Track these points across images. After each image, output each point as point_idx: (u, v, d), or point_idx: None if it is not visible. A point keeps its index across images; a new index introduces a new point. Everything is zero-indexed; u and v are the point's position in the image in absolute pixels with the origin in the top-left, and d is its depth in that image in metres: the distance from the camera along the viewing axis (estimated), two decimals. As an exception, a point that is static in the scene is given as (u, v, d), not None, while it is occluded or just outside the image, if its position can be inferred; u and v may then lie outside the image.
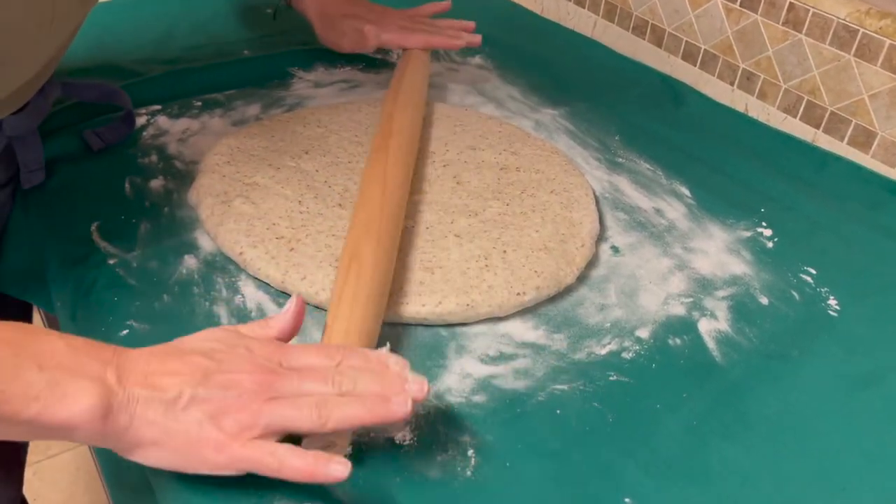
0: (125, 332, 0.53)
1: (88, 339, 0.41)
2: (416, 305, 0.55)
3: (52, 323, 0.85)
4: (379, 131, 0.66)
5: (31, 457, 1.29)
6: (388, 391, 0.42)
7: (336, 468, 0.39)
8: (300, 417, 0.40)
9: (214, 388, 0.40)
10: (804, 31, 0.79)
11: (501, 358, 0.54)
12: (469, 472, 0.45)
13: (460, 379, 0.52)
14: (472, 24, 0.85)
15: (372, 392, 0.42)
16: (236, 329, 0.45)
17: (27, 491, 0.85)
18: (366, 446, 0.46)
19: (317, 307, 0.56)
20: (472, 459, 0.46)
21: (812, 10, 0.78)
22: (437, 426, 0.48)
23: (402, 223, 0.59)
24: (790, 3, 0.79)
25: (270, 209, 0.61)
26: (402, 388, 0.42)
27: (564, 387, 0.52)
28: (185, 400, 0.39)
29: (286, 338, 0.46)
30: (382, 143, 0.64)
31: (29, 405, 0.37)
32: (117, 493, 0.52)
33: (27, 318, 0.78)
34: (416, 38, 0.81)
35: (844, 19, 0.75)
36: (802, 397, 0.53)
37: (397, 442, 0.47)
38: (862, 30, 0.74)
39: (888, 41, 0.72)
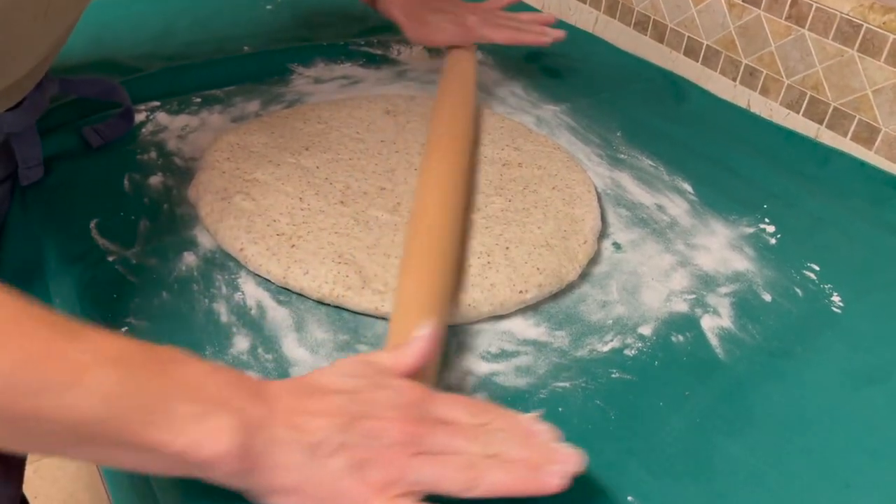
0: (124, 329, 0.52)
1: (232, 369, 0.39)
2: (418, 302, 0.55)
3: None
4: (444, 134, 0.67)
5: (32, 455, 1.29)
6: (539, 459, 0.39)
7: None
8: (448, 479, 0.38)
9: (361, 435, 0.38)
10: (807, 26, 0.79)
11: (503, 355, 0.53)
12: (471, 471, 0.45)
13: (461, 377, 0.51)
14: (552, 18, 0.86)
15: (522, 459, 0.39)
16: (371, 360, 0.42)
17: (28, 489, 0.85)
18: (367, 444, 0.46)
19: (319, 301, 0.56)
20: (474, 457, 0.46)
21: (815, 4, 0.77)
22: (438, 424, 0.48)
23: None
24: (793, -3, 0.79)
25: (271, 206, 0.61)
26: (554, 458, 0.39)
27: (566, 384, 0.51)
28: (330, 447, 0.37)
29: (422, 363, 0.43)
30: (452, 146, 0.65)
31: (177, 438, 0.35)
32: (118, 492, 0.51)
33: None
34: (505, 33, 0.82)
35: (848, 14, 0.75)
36: (806, 394, 0.52)
37: (398, 440, 0.46)
38: (865, 24, 0.74)
39: (892, 36, 0.72)
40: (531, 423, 0.41)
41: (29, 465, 1.27)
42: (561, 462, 0.39)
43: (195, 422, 0.35)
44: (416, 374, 0.43)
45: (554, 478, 0.38)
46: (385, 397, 0.40)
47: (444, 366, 0.52)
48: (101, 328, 0.37)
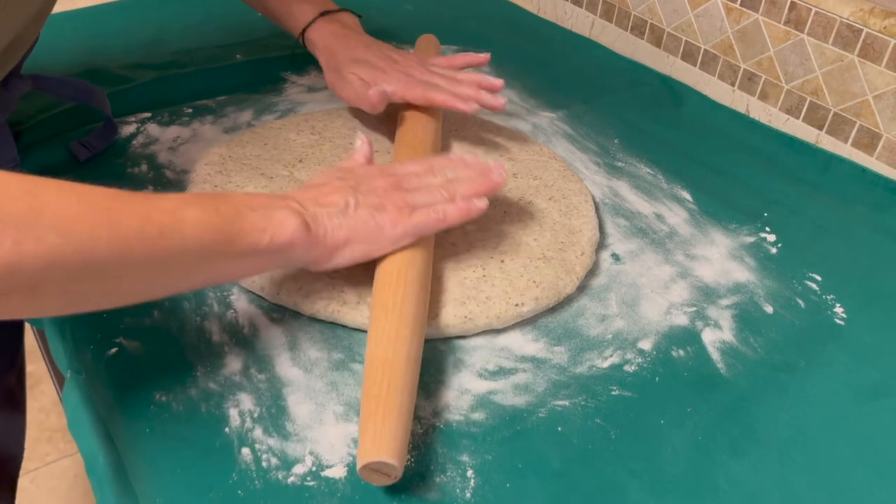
0: (114, 350, 0.51)
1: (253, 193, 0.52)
2: (413, 318, 0.54)
3: (42, 338, 0.83)
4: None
5: (29, 464, 1.28)
6: (481, 169, 0.57)
7: (480, 204, 0.54)
8: (435, 199, 0.54)
9: (365, 193, 0.53)
10: (806, 31, 0.78)
11: (501, 372, 0.52)
12: (468, 494, 0.44)
13: (459, 395, 0.50)
14: (498, 84, 0.70)
15: (469, 175, 0.56)
16: (336, 165, 0.57)
17: (25, 499, 0.84)
18: (362, 468, 0.45)
19: (312, 317, 0.55)
20: (472, 480, 0.45)
21: (814, 9, 0.76)
22: (435, 446, 0.47)
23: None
24: (792, 2, 0.78)
25: (263, 220, 0.60)
26: (489, 167, 0.57)
27: (565, 402, 0.50)
28: (353, 204, 0.51)
29: (369, 162, 0.58)
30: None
31: (262, 236, 0.47)
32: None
33: (19, 332, 0.76)
34: (415, 91, 0.68)
35: (848, 19, 0.74)
36: (810, 410, 0.51)
37: (394, 463, 0.45)
38: (866, 29, 0.73)
39: (893, 41, 0.71)
40: (460, 156, 0.59)
41: (26, 475, 1.26)
42: (495, 167, 0.57)
43: (267, 221, 0.47)
44: None
45: (498, 175, 0.56)
46: (361, 171, 0.55)
47: (440, 384, 0.51)
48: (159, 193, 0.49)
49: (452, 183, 0.55)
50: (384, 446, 0.42)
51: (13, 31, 0.54)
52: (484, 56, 0.75)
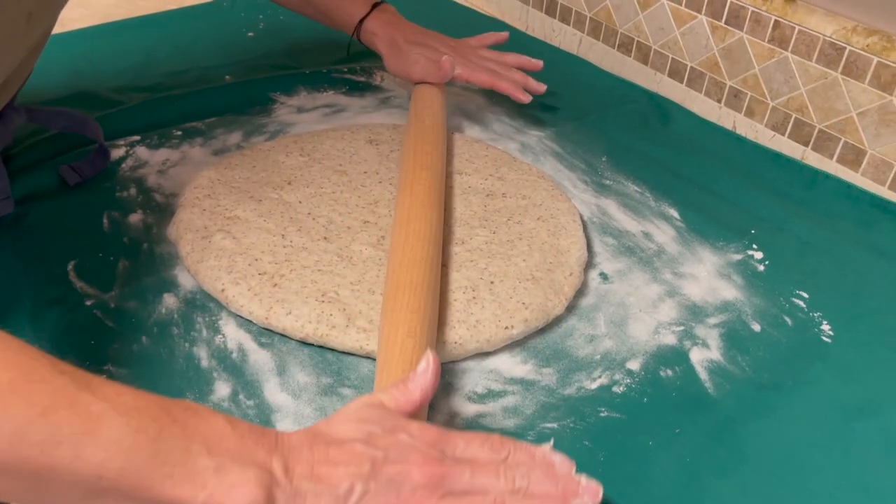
0: (102, 377, 0.51)
1: (250, 423, 0.38)
2: (403, 340, 0.54)
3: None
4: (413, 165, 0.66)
5: None
6: (563, 492, 0.40)
7: None
8: None
9: (385, 482, 0.37)
10: (790, 49, 0.78)
11: (490, 395, 0.52)
12: (458, 520, 0.44)
13: (448, 419, 0.50)
14: (538, 65, 0.82)
15: (546, 493, 0.40)
16: (375, 402, 0.41)
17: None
18: (351, 495, 0.45)
19: (302, 341, 0.55)
20: (461, 505, 0.45)
21: (798, 27, 0.77)
22: (424, 471, 0.47)
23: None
24: (775, 20, 0.79)
25: (252, 244, 0.60)
26: (576, 491, 0.40)
27: (554, 425, 0.50)
28: (357, 496, 0.37)
29: (427, 398, 0.43)
30: (419, 177, 0.64)
31: (197, 493, 0.34)
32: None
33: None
34: (481, 76, 0.79)
35: (831, 37, 0.75)
36: (797, 429, 0.52)
37: (383, 489, 0.45)
38: (849, 47, 0.73)
39: (876, 58, 0.72)
40: (548, 454, 0.42)
41: None
42: (584, 494, 0.40)
43: (216, 476, 0.35)
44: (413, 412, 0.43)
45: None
46: (403, 442, 0.39)
47: (430, 408, 0.51)
48: (112, 381, 0.36)
49: (518, 497, 0.39)
50: None
51: (9, 69, 0.55)
52: (504, 34, 0.86)
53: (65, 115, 0.68)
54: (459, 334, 0.55)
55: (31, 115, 0.65)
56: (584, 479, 0.41)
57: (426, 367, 0.43)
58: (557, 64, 0.96)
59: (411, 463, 0.38)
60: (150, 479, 0.34)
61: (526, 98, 0.79)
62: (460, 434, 0.42)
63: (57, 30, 0.94)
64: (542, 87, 0.81)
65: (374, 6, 0.82)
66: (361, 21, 0.81)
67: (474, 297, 0.57)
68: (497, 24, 1.06)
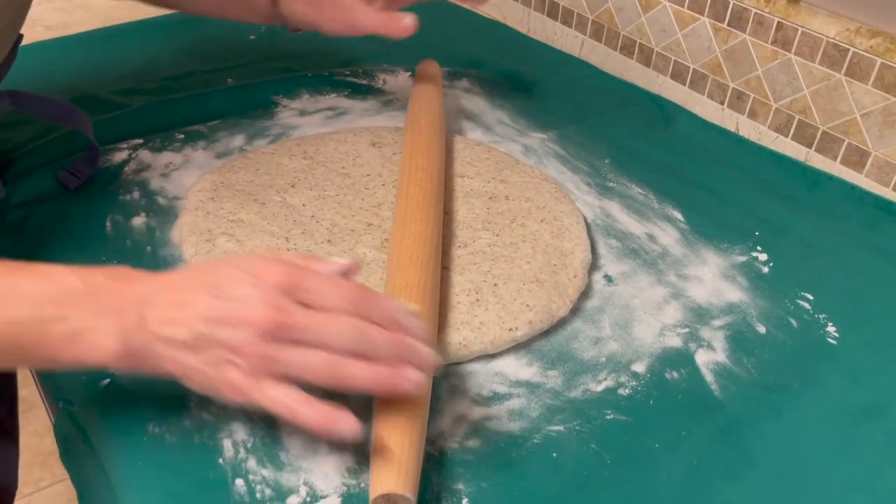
0: (107, 381, 0.51)
1: (105, 272, 0.43)
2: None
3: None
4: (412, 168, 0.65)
5: (23, 488, 1.26)
6: (398, 360, 0.42)
7: (343, 428, 0.41)
8: (311, 374, 0.41)
9: (225, 330, 0.40)
10: (793, 51, 0.78)
11: (495, 398, 0.52)
12: (464, 523, 0.44)
13: (453, 422, 0.50)
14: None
15: (386, 357, 0.42)
16: (238, 265, 0.43)
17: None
18: (356, 498, 0.45)
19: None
20: (467, 509, 0.45)
21: (801, 28, 0.77)
22: (430, 475, 0.47)
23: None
24: (778, 22, 0.79)
25: (256, 247, 0.60)
26: (411, 361, 0.43)
27: (560, 428, 0.50)
28: (198, 342, 0.41)
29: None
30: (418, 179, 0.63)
31: (66, 352, 0.41)
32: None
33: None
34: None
35: (834, 38, 0.75)
36: (804, 432, 0.51)
37: (389, 492, 0.45)
38: (852, 49, 0.73)
39: (880, 60, 0.72)
40: (405, 318, 0.44)
41: (20, 500, 1.25)
42: (416, 366, 0.43)
43: (80, 338, 0.41)
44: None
45: (407, 384, 0.42)
46: (249, 293, 0.41)
47: (435, 411, 0.51)
48: None
49: (343, 365, 0.42)
50: (409, 481, 0.42)
51: None
52: None
53: (51, 103, 0.67)
54: (464, 336, 0.54)
55: (14, 98, 0.64)
56: (422, 350, 0.43)
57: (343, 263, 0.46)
58: (559, 66, 0.96)
59: (253, 312, 0.41)
60: (26, 350, 0.41)
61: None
62: (318, 277, 0.43)
63: (58, 33, 0.95)
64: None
65: None
66: None
67: (478, 300, 0.57)
68: (498, 27, 1.06)
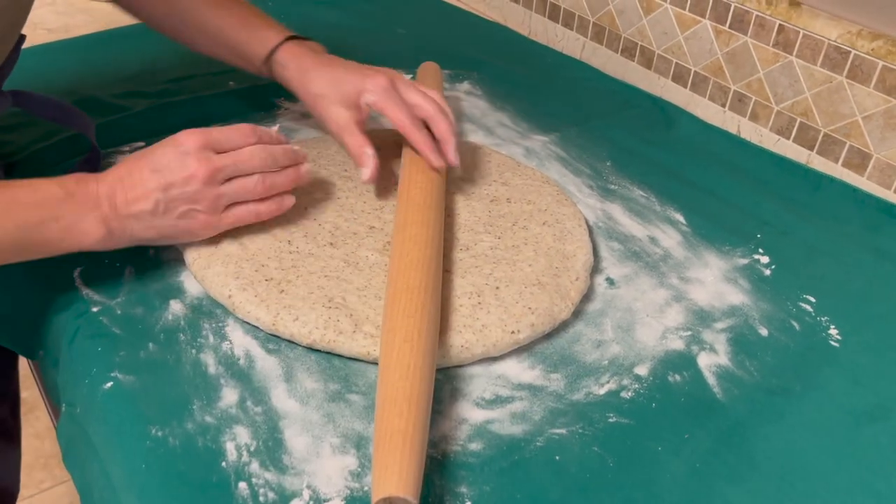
0: (109, 384, 0.51)
1: (77, 179, 0.53)
2: (409, 346, 0.54)
3: (36, 365, 0.83)
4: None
5: (24, 490, 1.26)
6: (294, 160, 0.60)
7: (289, 202, 0.60)
8: (250, 193, 0.57)
9: (177, 196, 0.54)
10: (795, 53, 0.78)
11: (498, 401, 0.52)
12: (467, 527, 0.44)
13: (456, 425, 0.50)
14: (449, 163, 0.65)
15: (286, 163, 0.59)
16: (164, 146, 0.55)
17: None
18: (360, 502, 0.45)
19: (309, 347, 0.55)
20: (470, 512, 0.45)
21: (802, 31, 0.77)
22: (432, 477, 0.47)
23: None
24: (780, 24, 0.79)
25: (259, 250, 0.60)
26: (298, 157, 0.60)
27: (563, 431, 0.50)
28: (162, 210, 0.54)
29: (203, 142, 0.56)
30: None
31: (62, 244, 0.52)
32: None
33: (12, 362, 0.76)
34: (398, 113, 0.64)
35: (835, 41, 0.75)
36: (807, 434, 0.51)
37: (392, 496, 0.45)
38: (854, 51, 0.73)
39: (881, 62, 0.72)
40: (278, 134, 0.60)
41: (21, 502, 1.25)
42: (303, 155, 0.60)
43: (67, 232, 0.52)
44: None
45: (306, 171, 0.60)
46: (179, 164, 0.54)
47: (438, 413, 0.51)
48: None
49: (268, 177, 0.57)
50: (410, 483, 0.42)
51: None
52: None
53: (53, 104, 0.67)
54: (465, 338, 0.54)
55: (18, 98, 0.65)
56: (296, 151, 0.60)
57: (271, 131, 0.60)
58: (561, 69, 0.96)
59: (189, 172, 0.54)
60: (22, 246, 0.51)
61: (438, 162, 0.63)
62: (221, 130, 0.56)
63: (60, 36, 0.95)
64: (454, 162, 0.65)
65: (292, 38, 0.70)
66: (273, 50, 0.69)
67: (479, 303, 0.57)
68: (499, 29, 1.07)
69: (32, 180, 0.52)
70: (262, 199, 0.58)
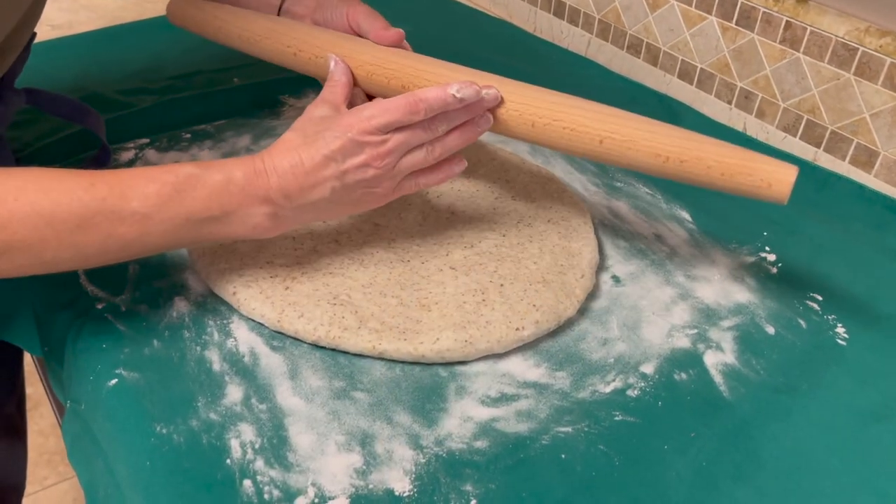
0: (114, 381, 0.51)
1: (246, 169, 0.51)
2: (414, 343, 0.54)
3: (41, 362, 0.83)
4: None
5: (28, 486, 1.27)
6: (471, 114, 0.55)
7: (460, 165, 0.57)
8: (423, 162, 0.54)
9: (353, 176, 0.53)
10: (802, 50, 0.78)
11: (503, 399, 0.52)
12: (472, 525, 0.44)
13: (461, 423, 0.50)
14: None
15: (459, 119, 0.55)
16: (324, 101, 0.56)
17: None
18: (364, 499, 0.45)
19: (314, 344, 0.55)
20: (475, 510, 0.45)
21: (810, 28, 0.77)
22: (437, 475, 0.46)
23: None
24: (787, 21, 0.78)
25: (264, 247, 0.60)
26: (480, 109, 0.55)
27: (568, 429, 0.50)
28: (339, 192, 0.53)
29: (350, 79, 0.59)
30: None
31: (225, 236, 0.52)
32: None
33: (17, 358, 0.76)
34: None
35: (843, 38, 0.74)
36: (813, 433, 0.51)
37: (397, 494, 0.45)
38: (861, 48, 0.73)
39: (889, 59, 0.71)
40: (454, 90, 0.53)
41: (26, 498, 1.25)
42: (484, 106, 0.55)
43: (235, 224, 0.52)
44: None
45: (487, 119, 0.56)
46: (353, 148, 0.52)
47: (442, 411, 0.51)
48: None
49: (443, 140, 0.55)
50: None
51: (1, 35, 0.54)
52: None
53: (66, 102, 0.67)
54: (470, 333, 0.54)
55: (31, 97, 0.65)
56: (486, 93, 0.55)
57: (334, 63, 0.59)
58: (566, 66, 0.96)
59: (364, 155, 0.52)
60: (196, 237, 0.51)
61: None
62: (377, 108, 0.52)
63: (65, 33, 0.95)
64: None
65: None
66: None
67: (484, 300, 0.57)
68: (505, 26, 1.06)
69: (196, 167, 0.51)
70: (433, 169, 0.56)
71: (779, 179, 0.52)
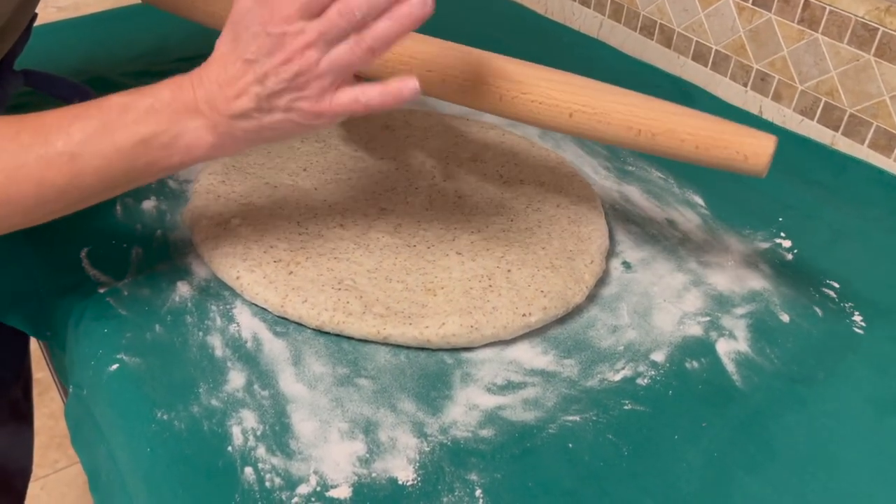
0: (115, 366, 0.50)
1: (171, 86, 0.48)
2: (419, 328, 0.53)
3: (47, 347, 0.83)
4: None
5: (38, 470, 1.27)
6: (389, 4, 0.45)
7: (412, 87, 0.46)
8: (351, 61, 0.45)
9: (277, 82, 0.46)
10: (820, 30, 0.76)
11: (509, 387, 0.51)
12: (477, 515, 0.43)
13: (466, 411, 0.49)
14: None
15: (384, 7, 0.45)
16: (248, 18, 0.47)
17: (34, 506, 0.83)
18: (367, 488, 0.44)
19: (318, 330, 0.54)
20: (481, 500, 0.44)
21: (829, 7, 0.74)
22: (442, 464, 0.46)
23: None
24: (805, 1, 0.76)
25: (268, 231, 0.59)
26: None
27: (576, 418, 0.49)
28: (264, 101, 0.46)
29: None
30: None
31: (171, 160, 0.48)
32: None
33: (24, 344, 0.76)
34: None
35: (863, 17, 0.72)
36: (829, 424, 0.50)
37: (400, 482, 0.44)
38: (882, 28, 0.71)
39: (910, 40, 0.69)
40: None
41: (36, 482, 1.26)
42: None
43: (179, 141, 0.47)
44: None
45: (420, 6, 0.45)
46: (271, 44, 0.45)
47: (448, 398, 0.50)
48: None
49: (371, 29, 0.45)
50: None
51: (1, 18, 0.53)
52: None
53: (64, 84, 0.66)
54: (476, 319, 0.53)
55: (29, 78, 0.64)
56: None
57: None
58: (578, 48, 0.94)
59: (283, 54, 0.45)
60: (138, 172, 0.48)
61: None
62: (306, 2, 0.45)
63: (70, 14, 0.94)
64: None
65: None
66: None
67: (490, 286, 0.56)
68: (515, 8, 1.04)
69: (126, 95, 0.48)
70: (377, 85, 0.47)
71: (755, 152, 0.50)
